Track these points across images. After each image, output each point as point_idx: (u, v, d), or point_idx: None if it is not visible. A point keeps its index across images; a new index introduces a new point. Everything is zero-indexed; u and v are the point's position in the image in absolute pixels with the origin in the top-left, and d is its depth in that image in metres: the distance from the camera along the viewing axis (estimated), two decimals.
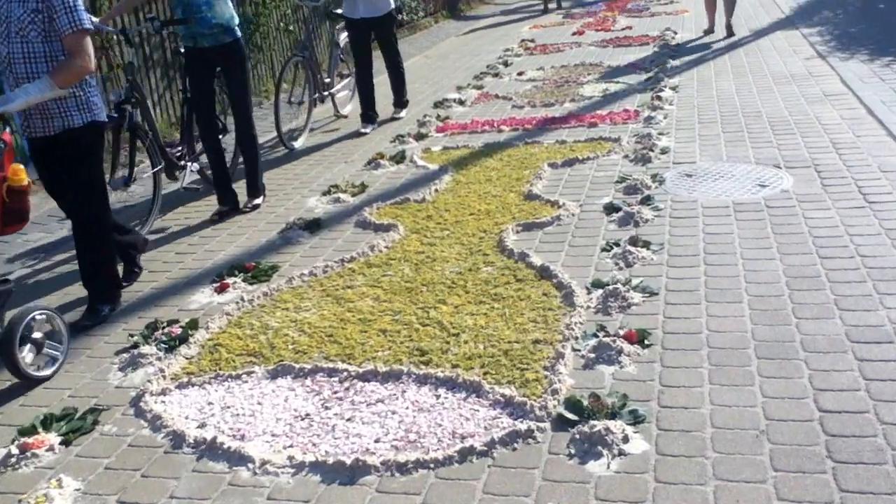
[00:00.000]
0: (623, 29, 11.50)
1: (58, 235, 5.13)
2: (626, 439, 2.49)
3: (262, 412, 2.87)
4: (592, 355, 2.99)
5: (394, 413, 2.78)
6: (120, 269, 4.09)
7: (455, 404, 2.79)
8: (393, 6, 7.08)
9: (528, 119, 6.79)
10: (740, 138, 5.55)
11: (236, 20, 5.06)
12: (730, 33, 9.76)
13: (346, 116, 7.70)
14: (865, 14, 10.27)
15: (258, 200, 5.30)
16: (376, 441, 2.63)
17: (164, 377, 3.19)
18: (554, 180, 5.16)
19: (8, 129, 3.55)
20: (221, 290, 4.01)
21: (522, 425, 2.61)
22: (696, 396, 2.67)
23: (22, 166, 3.26)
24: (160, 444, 2.74)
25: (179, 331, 3.54)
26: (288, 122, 7.02)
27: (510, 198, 4.90)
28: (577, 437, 2.53)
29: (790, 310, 3.16)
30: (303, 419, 2.80)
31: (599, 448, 2.47)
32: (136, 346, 3.46)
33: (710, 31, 10.21)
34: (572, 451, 2.48)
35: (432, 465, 2.49)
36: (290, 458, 2.58)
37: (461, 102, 7.82)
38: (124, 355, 3.41)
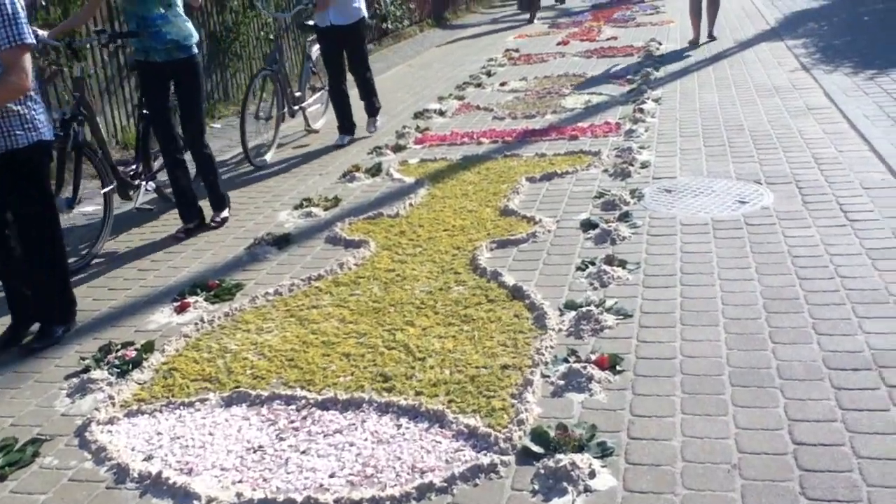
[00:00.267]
0: (608, 39, 11.42)
1: None
2: (592, 474, 2.36)
3: (213, 443, 2.73)
4: (562, 382, 2.86)
5: (352, 445, 2.64)
6: None
7: (416, 435, 2.66)
8: (364, 14, 6.85)
9: (508, 131, 6.68)
10: (722, 152, 5.45)
11: (194, 38, 4.82)
12: (711, 38, 10.11)
13: (317, 131, 7.43)
14: (850, 26, 10.23)
15: (225, 213, 5.13)
16: (331, 476, 2.50)
17: (114, 404, 3.04)
18: (531, 195, 5.04)
19: None
20: (181, 309, 3.87)
21: (485, 459, 2.48)
22: (668, 427, 2.55)
23: None
24: (102, 479, 2.59)
25: (134, 354, 3.39)
26: (256, 138, 6.76)
27: (486, 213, 4.78)
28: (542, 471, 2.40)
29: (767, 334, 3.04)
30: (255, 451, 2.66)
31: (565, 484, 2.34)
32: (87, 370, 3.31)
33: (695, 42, 10.18)
34: (536, 488, 2.36)
35: (388, 503, 2.35)
36: (239, 494, 2.44)
37: (442, 113, 7.71)
38: (74, 380, 3.26)
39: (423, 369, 3.06)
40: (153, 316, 3.86)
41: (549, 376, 2.91)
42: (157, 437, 2.80)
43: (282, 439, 2.71)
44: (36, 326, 3.71)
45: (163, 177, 5.33)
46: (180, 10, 4.79)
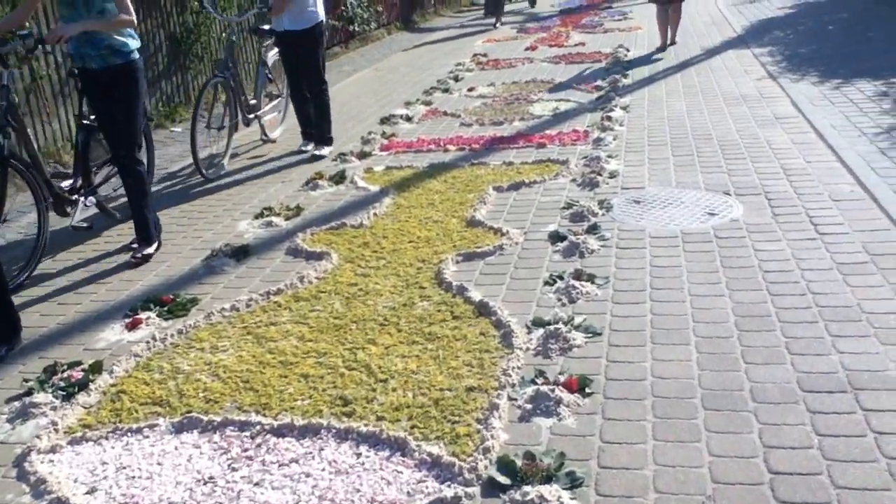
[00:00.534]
0: (576, 45, 11.39)
1: None
2: None
3: (161, 474, 2.57)
4: (529, 406, 2.75)
5: (308, 476, 2.50)
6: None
7: (377, 465, 2.53)
8: (321, 19, 6.39)
9: (475, 138, 6.57)
10: (690, 162, 5.40)
11: (134, 44, 4.43)
12: (672, 43, 10.33)
13: (274, 141, 7.06)
14: (815, 35, 10.30)
15: (150, 250, 4.54)
16: None
17: (57, 431, 2.86)
18: (499, 205, 4.93)
19: None
20: (133, 326, 3.69)
21: (449, 491, 2.36)
22: (639, 455, 2.45)
23: None
24: None
25: (80, 375, 3.22)
26: (208, 149, 6.34)
27: (452, 224, 4.66)
28: None
29: (739, 353, 2.96)
30: (205, 483, 2.50)
31: None
32: (29, 392, 3.13)
33: (662, 48, 10.35)
34: None
35: None
36: None
37: (408, 119, 7.58)
38: (15, 404, 3.08)
39: (385, 391, 2.92)
40: (103, 333, 3.68)
41: (516, 399, 2.80)
42: (101, 468, 2.63)
43: (234, 469, 2.56)
44: None
45: (106, 190, 5.06)
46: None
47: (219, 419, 2.83)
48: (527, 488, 2.30)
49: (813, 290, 3.39)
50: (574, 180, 5.24)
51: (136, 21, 4.33)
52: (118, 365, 3.29)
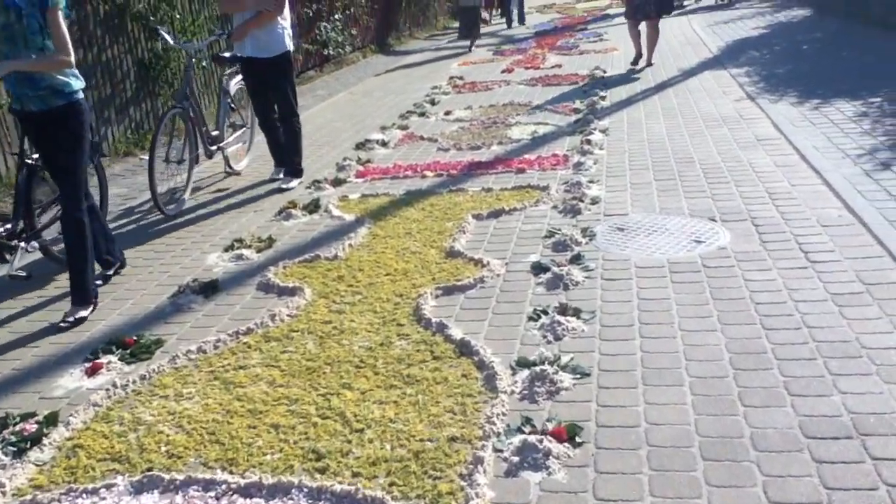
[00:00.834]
0: (553, 67, 11.32)
1: None
2: None
3: None
4: (516, 458, 2.56)
5: None
6: None
7: None
8: (289, 48, 6.07)
9: (453, 163, 6.42)
10: (673, 187, 5.27)
11: (77, 84, 4.04)
12: (648, 63, 10.37)
13: (238, 173, 6.71)
14: (791, 55, 10.31)
15: (84, 313, 4.05)
16: None
17: (4, 494, 2.63)
18: (478, 234, 4.77)
19: None
20: (93, 371, 3.46)
21: None
22: None
23: None
24: None
25: (34, 428, 2.99)
26: (167, 183, 5.99)
27: (431, 255, 4.49)
28: None
29: (736, 395, 2.80)
30: None
31: None
32: None
33: (638, 57, 10.50)
34: None
35: None
36: None
37: (384, 144, 7.42)
38: None
39: (362, 443, 2.73)
40: (61, 379, 3.45)
41: (501, 451, 2.61)
42: None
43: None
44: None
45: (49, 234, 4.71)
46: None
47: (181, 477, 2.62)
48: None
49: (808, 324, 3.25)
50: (555, 207, 5.10)
51: (73, 62, 3.94)
52: (76, 416, 3.07)
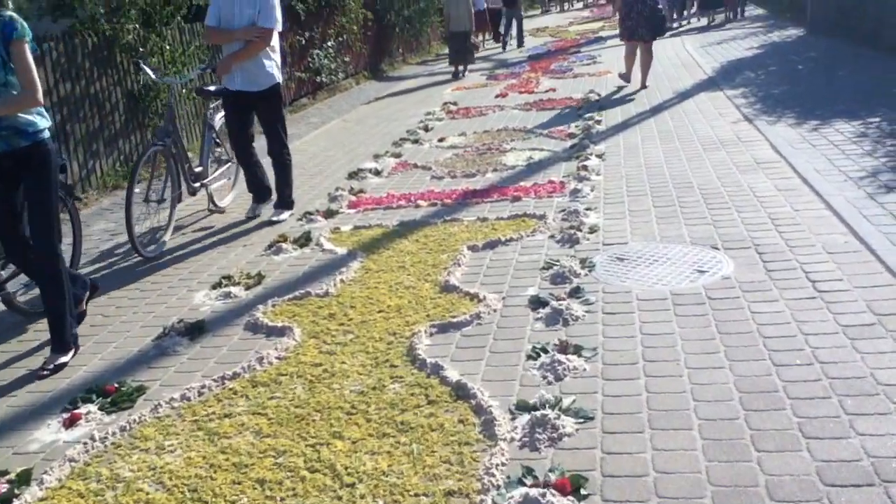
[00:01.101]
0: (546, 91, 11.25)
1: None
2: None
3: None
4: None
5: None
6: None
7: None
8: (278, 80, 5.94)
9: (447, 192, 6.29)
10: (673, 213, 5.14)
11: (43, 122, 3.84)
12: (643, 86, 10.37)
13: (222, 210, 6.43)
14: (786, 76, 10.24)
15: (65, 358, 3.87)
16: None
17: None
18: (474, 266, 4.62)
19: None
20: (71, 423, 3.30)
21: None
22: None
23: None
24: None
25: (5, 488, 2.83)
26: (147, 223, 5.79)
27: (425, 289, 4.34)
28: None
29: (749, 439, 2.65)
30: None
31: None
32: None
33: (627, 77, 10.67)
34: None
35: None
36: None
37: (377, 173, 7.30)
38: None
39: (353, 499, 2.56)
40: (37, 432, 3.28)
41: None
42: None
43: None
44: None
45: (14, 286, 4.51)
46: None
47: None
48: None
49: (820, 359, 3.10)
50: (552, 236, 4.96)
51: (41, 99, 3.70)
52: (50, 473, 2.90)
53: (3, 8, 3.70)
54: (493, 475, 2.59)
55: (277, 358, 3.68)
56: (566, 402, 2.99)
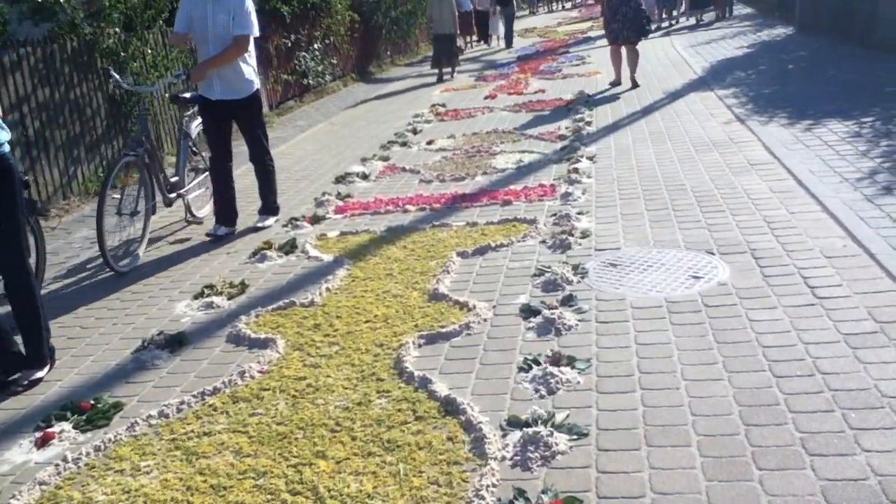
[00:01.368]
0: (536, 92, 11.15)
1: None
2: None
3: None
4: None
5: None
6: None
7: None
8: (257, 87, 5.77)
9: (436, 196, 6.17)
10: (666, 217, 5.03)
11: (2, 136, 3.65)
12: (634, 85, 10.32)
13: (200, 221, 6.20)
14: (777, 75, 10.17)
15: (40, 373, 3.74)
16: None
17: None
18: (463, 273, 4.50)
19: None
20: (44, 442, 3.16)
21: None
22: None
23: None
24: None
25: None
26: (118, 235, 5.55)
27: (413, 298, 4.21)
28: None
29: (750, 456, 2.53)
30: None
31: None
32: None
33: (616, 83, 10.65)
34: None
35: None
36: None
37: (365, 177, 7.17)
38: None
39: None
40: (8, 453, 3.14)
41: None
42: None
43: None
44: None
45: None
46: None
47: None
48: None
49: (822, 370, 2.99)
50: (544, 241, 4.85)
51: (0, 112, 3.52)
52: (18, 498, 2.76)
53: None
54: (483, 497, 2.47)
55: (260, 372, 3.55)
56: (559, 417, 2.87)
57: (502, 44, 19.38)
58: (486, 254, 4.78)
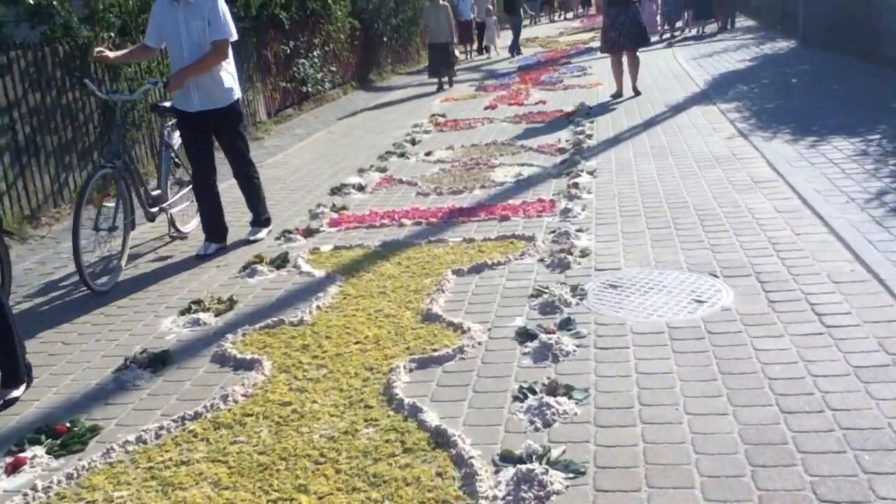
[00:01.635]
0: (537, 103, 11.03)
1: None
2: None
3: None
4: None
5: None
6: None
7: None
8: (237, 96, 5.50)
9: (433, 210, 6.03)
10: (668, 236, 4.90)
11: None
12: (636, 93, 10.42)
13: (185, 236, 5.97)
14: (780, 89, 10.05)
15: (16, 392, 3.59)
16: None
17: None
18: (459, 293, 4.36)
19: None
20: (14, 468, 3.01)
21: None
22: None
23: None
24: None
25: None
26: (95, 253, 5.36)
27: (406, 318, 4.07)
28: None
29: (757, 501, 2.39)
30: None
31: None
32: None
33: (618, 94, 10.55)
34: None
35: None
36: None
37: (361, 188, 7.03)
38: None
39: None
40: None
41: None
42: None
43: None
44: None
45: None
46: None
47: None
48: None
49: (831, 406, 2.85)
50: (542, 260, 4.71)
51: None
52: None
53: None
54: None
55: (244, 395, 3.40)
56: (555, 453, 2.72)
57: (503, 53, 19.29)
58: (482, 272, 4.64)
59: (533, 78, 13.91)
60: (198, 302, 4.56)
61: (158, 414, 3.34)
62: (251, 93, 10.93)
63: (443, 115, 10.84)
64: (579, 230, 5.13)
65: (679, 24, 19.52)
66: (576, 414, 2.99)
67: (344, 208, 6.41)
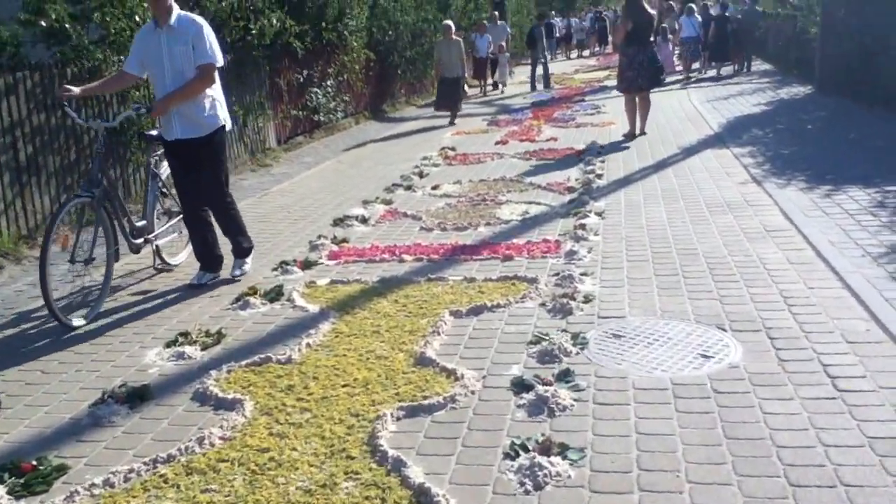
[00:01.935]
0: (548, 140, 10.91)
1: None
2: None
3: None
4: None
5: None
6: None
7: None
8: (222, 123, 5.23)
9: (435, 246, 5.88)
10: (675, 284, 4.72)
11: None
12: (642, 133, 10.45)
13: (171, 268, 5.72)
14: (796, 135, 9.91)
15: None
16: None
17: None
18: (455, 336, 4.19)
19: None
20: None
21: None
22: None
23: None
24: None
25: None
26: (71, 285, 5.17)
27: (398, 361, 3.90)
28: None
29: None
30: None
31: None
32: None
33: (631, 135, 10.45)
34: None
35: None
36: None
37: (364, 220, 6.91)
38: None
39: None
40: None
41: None
42: None
43: None
44: None
45: None
46: None
47: None
48: None
49: (844, 481, 2.65)
50: (543, 304, 4.54)
51: None
52: None
53: None
54: None
55: (221, 438, 3.23)
56: None
57: (517, 89, 19.25)
58: (480, 314, 4.47)
59: (546, 114, 13.83)
60: (185, 334, 4.40)
61: (131, 454, 3.18)
62: (262, 120, 10.88)
63: (453, 149, 10.74)
64: (584, 274, 4.97)
65: (696, 65, 19.48)
66: (569, 476, 2.80)
67: (345, 241, 6.27)
